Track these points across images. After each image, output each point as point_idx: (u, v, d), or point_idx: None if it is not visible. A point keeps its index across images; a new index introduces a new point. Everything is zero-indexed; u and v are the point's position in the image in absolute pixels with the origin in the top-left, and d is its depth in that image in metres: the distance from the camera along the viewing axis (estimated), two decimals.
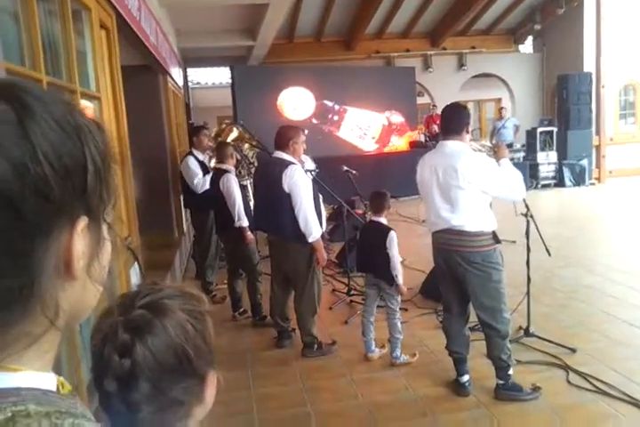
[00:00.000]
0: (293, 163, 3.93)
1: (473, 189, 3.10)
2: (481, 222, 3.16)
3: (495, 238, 3.19)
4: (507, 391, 3.28)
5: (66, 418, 0.47)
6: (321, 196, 4.19)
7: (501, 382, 3.30)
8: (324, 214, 4.47)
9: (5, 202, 0.45)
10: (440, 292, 4.85)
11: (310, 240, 3.85)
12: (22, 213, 0.46)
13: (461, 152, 3.16)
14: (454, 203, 3.14)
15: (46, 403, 0.48)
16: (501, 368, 3.29)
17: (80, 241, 0.51)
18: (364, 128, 12.33)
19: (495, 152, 3.53)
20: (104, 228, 0.55)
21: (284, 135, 4.02)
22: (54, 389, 0.52)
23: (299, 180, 3.84)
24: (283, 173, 3.83)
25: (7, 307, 0.48)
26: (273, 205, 3.94)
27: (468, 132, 3.29)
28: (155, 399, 0.81)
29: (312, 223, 3.84)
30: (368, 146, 12.45)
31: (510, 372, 3.29)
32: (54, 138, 0.48)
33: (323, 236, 4.02)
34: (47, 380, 0.52)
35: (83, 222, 0.51)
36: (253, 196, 4.29)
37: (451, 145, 3.22)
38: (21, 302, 0.48)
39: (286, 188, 3.82)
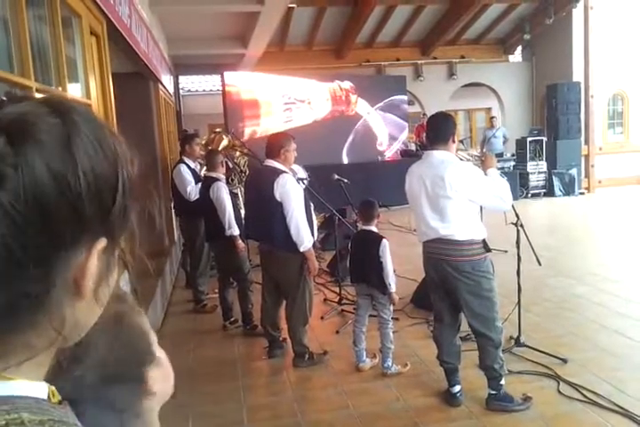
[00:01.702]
0: (285, 171, 3.90)
1: (460, 198, 3.10)
2: (470, 231, 3.16)
3: (486, 247, 3.19)
4: (498, 402, 3.26)
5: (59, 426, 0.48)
6: (312, 204, 4.17)
7: (493, 392, 3.28)
8: (316, 223, 4.45)
9: (40, 209, 0.47)
10: (429, 301, 4.87)
11: (302, 249, 3.83)
12: (53, 222, 0.48)
13: (448, 162, 3.17)
14: (443, 212, 3.14)
15: (39, 412, 0.48)
16: (493, 378, 3.27)
17: (95, 261, 0.52)
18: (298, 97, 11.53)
19: (482, 162, 3.54)
20: (116, 252, 0.57)
21: (275, 143, 3.99)
22: (46, 397, 0.53)
23: (290, 188, 3.82)
24: (274, 182, 3.80)
25: (15, 313, 0.49)
26: (264, 213, 3.91)
27: (454, 141, 3.29)
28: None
29: (304, 232, 3.82)
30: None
31: (502, 382, 3.28)
32: (95, 158, 0.50)
33: (314, 244, 4.00)
34: (39, 389, 0.53)
35: (102, 243, 0.53)
36: (244, 204, 4.26)
37: (437, 155, 3.23)
38: (31, 310, 0.49)
39: (278, 196, 3.80)
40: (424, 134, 13.09)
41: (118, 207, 0.52)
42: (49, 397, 0.54)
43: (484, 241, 3.19)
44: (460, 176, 3.10)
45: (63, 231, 0.49)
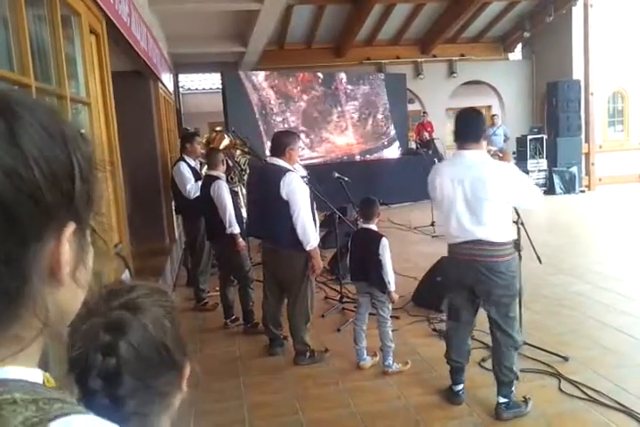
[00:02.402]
0: (290, 170, 3.88)
1: (501, 200, 3.02)
2: (505, 232, 3.10)
3: (516, 247, 3.14)
4: (511, 410, 3.13)
5: (54, 403, 0.49)
6: (315, 203, 4.17)
7: (504, 400, 3.13)
8: (318, 222, 4.45)
9: (0, 207, 0.46)
10: (429, 300, 4.88)
11: (308, 248, 3.83)
12: (14, 217, 0.47)
13: (487, 163, 3.07)
14: (481, 215, 3.03)
15: (33, 392, 0.49)
16: (507, 383, 3.15)
17: (67, 247, 0.52)
18: None
19: (501, 158, 3.50)
20: (88, 234, 0.56)
21: (281, 141, 3.96)
22: (41, 382, 0.54)
23: (297, 187, 3.80)
24: (281, 181, 3.78)
25: None
26: (270, 212, 3.89)
27: (484, 139, 3.17)
28: (139, 393, 0.84)
29: (310, 231, 3.81)
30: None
31: (513, 388, 3.17)
32: (42, 144, 0.49)
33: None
34: (34, 374, 0.53)
35: (70, 228, 0.52)
36: (247, 202, 4.26)
37: (470, 155, 3.09)
38: (12, 305, 0.49)
39: (284, 195, 3.78)
40: (424, 133, 13.11)
41: (79, 189, 0.52)
42: (44, 382, 0.55)
43: (514, 241, 3.14)
44: (503, 178, 3.02)
45: (28, 225, 0.48)
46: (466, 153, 3.12)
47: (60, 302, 0.54)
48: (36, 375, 0.53)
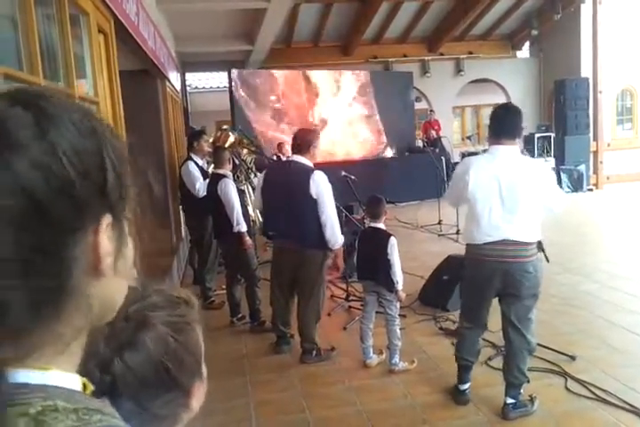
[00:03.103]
0: (316, 169, 3.84)
1: (538, 201, 3.00)
2: (535, 233, 3.06)
3: (539, 246, 3.09)
4: (518, 410, 3.13)
5: (93, 414, 0.49)
6: None
7: (512, 401, 3.13)
8: None
9: (31, 200, 0.46)
10: (436, 298, 4.88)
11: (335, 247, 3.86)
12: (49, 210, 0.47)
13: (526, 161, 3.03)
14: (516, 214, 2.99)
15: (74, 401, 0.50)
16: (517, 385, 3.14)
17: (105, 239, 0.52)
18: None
19: None
20: (126, 225, 0.57)
21: (304, 139, 3.91)
22: (79, 389, 0.54)
23: (327, 186, 3.78)
24: (310, 179, 3.73)
25: (40, 308, 0.49)
26: (295, 211, 3.82)
27: (520, 137, 3.14)
28: (137, 414, 0.80)
29: (337, 230, 3.81)
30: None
31: (522, 390, 3.16)
32: (72, 137, 0.49)
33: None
34: (73, 380, 0.54)
35: (107, 220, 0.53)
36: (263, 200, 4.18)
37: (509, 152, 3.03)
38: (55, 302, 0.50)
39: (314, 194, 3.74)
40: (431, 131, 13.07)
41: (112, 181, 0.52)
42: (83, 388, 0.55)
43: (539, 241, 3.10)
44: (542, 179, 3.00)
45: (63, 218, 0.48)
46: (504, 149, 3.05)
47: (103, 296, 0.54)
48: (74, 382, 0.53)
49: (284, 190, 3.87)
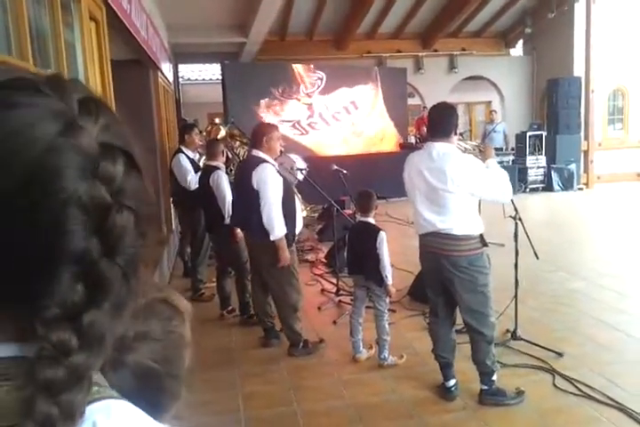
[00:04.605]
0: (266, 161, 3.92)
1: (461, 192, 3.05)
2: (468, 226, 3.12)
3: (482, 242, 3.15)
4: (491, 396, 3.25)
5: (92, 386, 0.50)
6: (300, 196, 4.17)
7: (485, 387, 3.26)
8: (301, 215, 4.40)
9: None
10: (425, 294, 4.87)
11: (272, 238, 3.82)
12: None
13: (449, 154, 3.10)
14: (441, 206, 3.10)
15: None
16: (485, 373, 3.25)
17: None
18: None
19: (481, 152, 3.50)
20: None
21: (258, 132, 4.04)
22: None
23: (267, 177, 3.83)
24: (253, 171, 3.85)
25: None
26: (244, 202, 3.98)
27: (456, 133, 3.22)
28: None
29: (275, 221, 3.80)
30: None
31: (494, 378, 3.25)
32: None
33: (287, 236, 3.91)
34: None
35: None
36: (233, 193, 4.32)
37: (438, 147, 3.14)
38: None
39: (255, 184, 3.83)
40: (424, 127, 13.06)
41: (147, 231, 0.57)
42: None
43: (481, 236, 3.15)
44: (463, 170, 3.05)
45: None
46: (435, 145, 3.17)
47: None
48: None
49: (239, 182, 4.11)
